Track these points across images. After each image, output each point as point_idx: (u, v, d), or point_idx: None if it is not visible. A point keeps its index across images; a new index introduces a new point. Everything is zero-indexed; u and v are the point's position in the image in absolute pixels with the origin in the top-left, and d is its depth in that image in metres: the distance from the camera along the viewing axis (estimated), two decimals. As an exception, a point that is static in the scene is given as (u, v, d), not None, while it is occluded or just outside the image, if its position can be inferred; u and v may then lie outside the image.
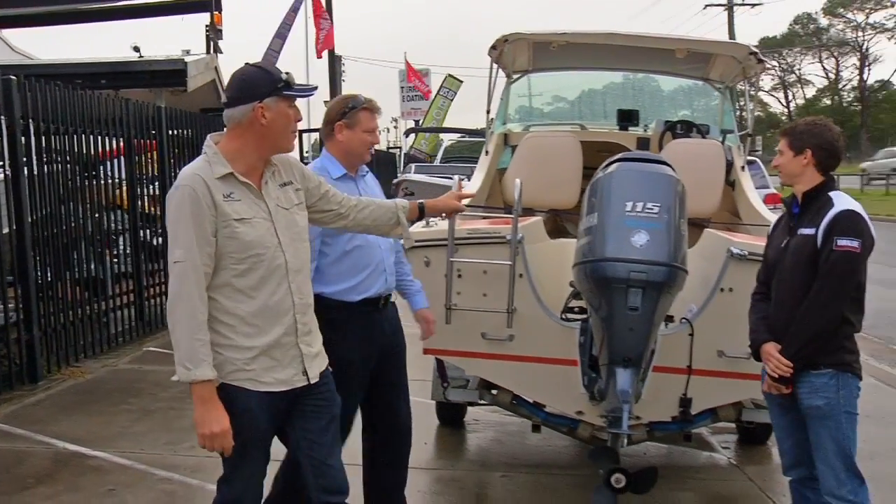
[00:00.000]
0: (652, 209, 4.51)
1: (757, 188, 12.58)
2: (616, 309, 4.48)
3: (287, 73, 3.38)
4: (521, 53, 7.50)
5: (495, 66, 7.33)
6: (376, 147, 4.60)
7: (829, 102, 78.99)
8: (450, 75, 26.09)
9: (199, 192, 3.25)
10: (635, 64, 8.05)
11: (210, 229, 3.26)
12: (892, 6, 74.62)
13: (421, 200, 4.20)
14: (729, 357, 5.16)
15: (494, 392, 5.70)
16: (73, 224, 9.13)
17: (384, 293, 4.49)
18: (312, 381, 3.53)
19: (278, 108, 3.34)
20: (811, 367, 3.99)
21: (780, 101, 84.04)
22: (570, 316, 5.47)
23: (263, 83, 3.33)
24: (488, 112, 7.55)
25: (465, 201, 4.49)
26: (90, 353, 9.13)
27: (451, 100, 26.04)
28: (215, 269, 3.30)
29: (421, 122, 26.79)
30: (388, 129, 51.31)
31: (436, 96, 25.31)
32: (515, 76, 7.98)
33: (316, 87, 3.75)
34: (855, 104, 78.93)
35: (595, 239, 4.59)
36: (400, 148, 25.41)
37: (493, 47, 6.94)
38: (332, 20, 19.33)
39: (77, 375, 8.46)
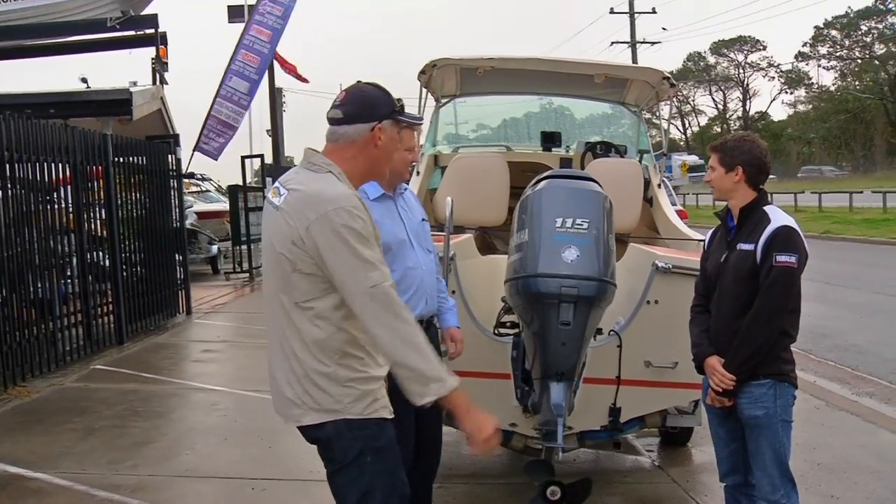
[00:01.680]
0: (581, 225, 4.15)
1: (666, 205, 12.24)
2: (548, 324, 4.10)
3: (399, 100, 2.98)
4: (448, 78, 7.11)
5: (425, 90, 6.93)
6: None
7: (718, 130, 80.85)
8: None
9: (365, 213, 2.76)
10: (557, 89, 7.72)
11: None
12: (765, 49, 77.83)
13: None
14: (655, 367, 4.81)
15: (430, 405, 5.24)
16: (18, 249, 8.43)
17: (426, 315, 3.99)
18: None
19: (392, 132, 2.91)
20: (751, 377, 3.68)
21: (677, 129, 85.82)
22: (502, 331, 5.08)
23: (384, 104, 2.90)
24: (418, 134, 7.13)
25: None
26: (37, 372, 8.41)
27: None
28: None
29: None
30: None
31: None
32: (444, 100, 7.58)
33: (422, 119, 3.44)
34: (740, 131, 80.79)
35: (526, 255, 4.21)
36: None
37: (423, 72, 6.55)
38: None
39: (23, 395, 7.76)
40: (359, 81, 3.04)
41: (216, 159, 14.17)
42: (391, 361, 2.74)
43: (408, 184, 4.32)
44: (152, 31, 14.12)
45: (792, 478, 3.72)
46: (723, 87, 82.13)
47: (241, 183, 18.46)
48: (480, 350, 4.87)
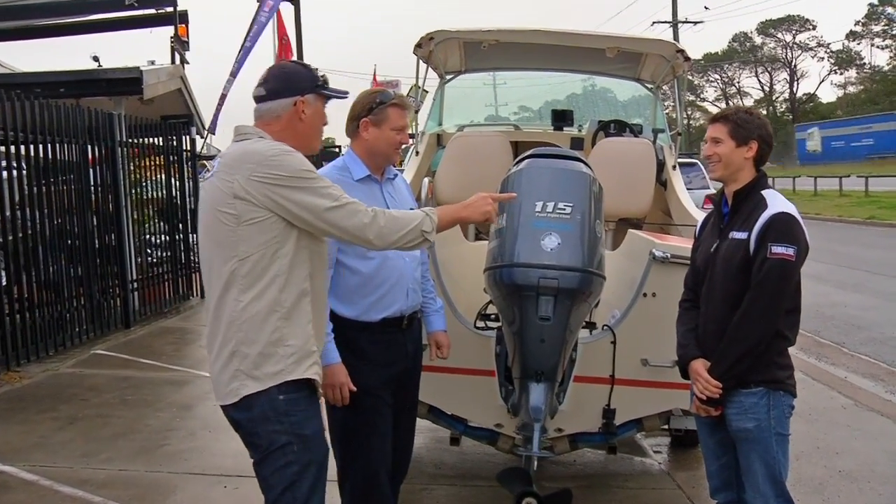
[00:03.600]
0: (564, 209, 3.72)
1: (698, 189, 11.76)
2: (526, 319, 3.69)
3: (323, 74, 3.00)
4: (452, 53, 6.69)
5: (424, 65, 6.52)
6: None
7: (764, 112, 79.01)
8: (415, 85, 25.26)
9: (302, 156, 2.87)
10: (568, 64, 7.24)
11: None
12: (815, 29, 75.91)
13: None
14: (653, 366, 4.37)
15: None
16: (20, 233, 8.23)
17: (407, 311, 3.62)
18: None
19: (316, 106, 2.95)
20: (741, 385, 3.22)
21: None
22: (488, 324, 4.67)
23: (305, 78, 2.93)
24: (417, 112, 6.74)
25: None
26: (34, 357, 8.19)
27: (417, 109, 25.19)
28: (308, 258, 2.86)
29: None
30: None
31: (401, 105, 24.38)
32: (448, 77, 7.16)
33: (348, 92, 3.29)
34: (787, 114, 79.26)
35: (504, 242, 3.80)
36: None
37: (419, 45, 6.12)
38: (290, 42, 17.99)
39: (14, 381, 7.54)
40: (284, 59, 2.88)
41: (213, 132, 13.89)
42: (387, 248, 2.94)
43: (400, 167, 3.97)
44: (171, 9, 13.84)
45: (789, 498, 3.28)
46: (769, 69, 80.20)
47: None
48: (462, 344, 4.48)
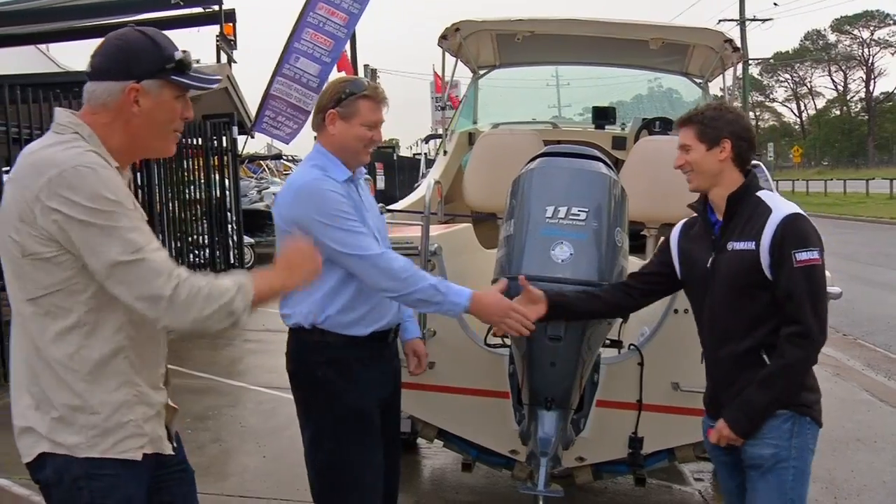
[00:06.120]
0: (578, 215, 3.31)
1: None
2: (535, 338, 3.26)
3: (184, 52, 2.24)
4: (484, 46, 6.30)
5: (453, 59, 6.14)
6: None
7: (837, 113, 77.03)
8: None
9: (110, 173, 2.15)
10: (610, 58, 6.78)
11: None
12: (895, 24, 73.25)
13: None
14: (685, 391, 3.90)
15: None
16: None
17: (395, 323, 3.26)
18: None
19: (161, 96, 2.21)
20: None
21: (792, 112, 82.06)
22: (504, 340, 4.25)
23: (147, 58, 2.19)
24: (444, 109, 6.36)
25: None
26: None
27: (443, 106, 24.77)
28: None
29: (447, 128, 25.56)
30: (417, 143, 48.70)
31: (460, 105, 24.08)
32: (482, 71, 6.76)
33: (219, 79, 2.57)
34: (862, 114, 76.88)
35: (511, 252, 3.39)
36: (425, 154, 24.24)
37: (444, 37, 5.75)
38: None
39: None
40: (129, 26, 2.27)
41: (288, 143, 13.66)
42: (184, 331, 2.16)
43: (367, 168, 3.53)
44: (217, 7, 13.70)
45: None
46: (843, 67, 77.74)
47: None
48: (472, 363, 4.09)
